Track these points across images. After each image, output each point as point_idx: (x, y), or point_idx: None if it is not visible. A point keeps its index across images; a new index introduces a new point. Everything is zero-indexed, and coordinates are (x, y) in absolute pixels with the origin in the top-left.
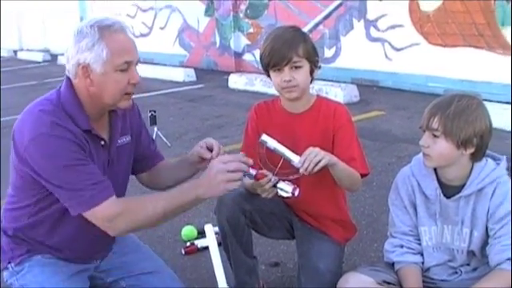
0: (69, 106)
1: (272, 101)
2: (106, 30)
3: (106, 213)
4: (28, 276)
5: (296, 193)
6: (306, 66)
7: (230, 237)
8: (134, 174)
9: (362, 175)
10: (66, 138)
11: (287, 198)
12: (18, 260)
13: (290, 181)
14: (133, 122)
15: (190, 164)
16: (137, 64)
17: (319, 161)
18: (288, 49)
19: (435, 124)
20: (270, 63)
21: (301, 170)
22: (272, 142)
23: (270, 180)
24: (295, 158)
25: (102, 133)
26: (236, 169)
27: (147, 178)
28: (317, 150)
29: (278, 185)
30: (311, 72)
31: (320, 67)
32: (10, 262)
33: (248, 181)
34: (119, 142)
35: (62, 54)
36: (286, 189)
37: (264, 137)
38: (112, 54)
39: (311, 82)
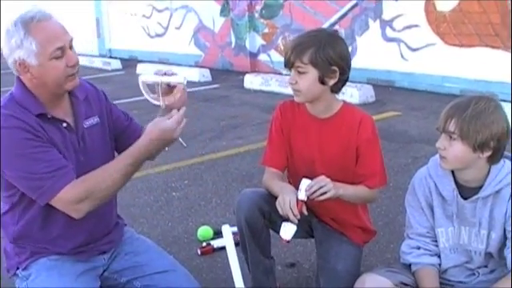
0: (19, 96)
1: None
2: (29, 23)
3: (68, 197)
4: (37, 281)
5: (283, 242)
6: (312, 73)
7: (248, 237)
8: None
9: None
10: (18, 127)
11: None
12: (25, 264)
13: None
14: (99, 104)
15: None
16: (71, 44)
17: (326, 192)
18: (292, 53)
19: (452, 127)
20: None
21: (307, 193)
22: (151, 77)
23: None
24: (178, 79)
25: (65, 117)
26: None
27: None
28: (328, 181)
29: (284, 223)
30: (323, 80)
31: (342, 77)
32: (18, 268)
33: (270, 182)
34: (87, 123)
35: (78, 54)
36: (282, 231)
37: (142, 77)
38: (41, 44)
39: (335, 92)
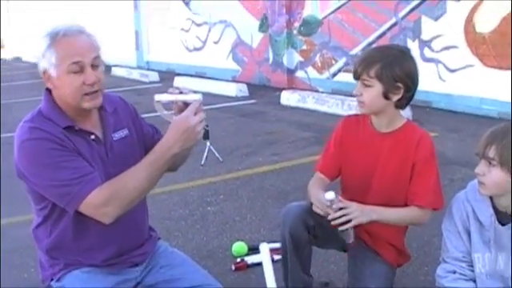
0: (46, 110)
1: (363, 115)
2: (55, 36)
3: (95, 201)
4: None
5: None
6: (377, 87)
7: (290, 251)
8: None
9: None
10: (45, 139)
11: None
12: (58, 276)
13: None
14: (128, 118)
15: None
16: (94, 63)
17: (350, 220)
18: (360, 65)
19: (491, 153)
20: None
21: (329, 217)
22: (166, 97)
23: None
24: (193, 97)
25: (93, 129)
26: (194, 110)
27: None
28: (354, 209)
29: (339, 230)
30: (387, 95)
31: (407, 94)
32: (52, 279)
33: (310, 187)
34: (116, 136)
35: (116, 65)
36: (344, 235)
37: (157, 97)
38: (60, 57)
39: (400, 108)
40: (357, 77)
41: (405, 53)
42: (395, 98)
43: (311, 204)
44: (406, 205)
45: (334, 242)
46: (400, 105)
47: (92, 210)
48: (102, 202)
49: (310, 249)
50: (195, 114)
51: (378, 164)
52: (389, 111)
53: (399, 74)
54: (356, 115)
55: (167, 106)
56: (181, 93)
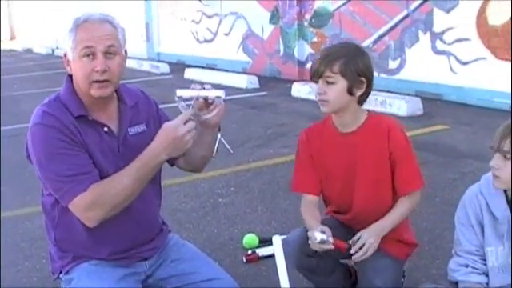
0: (64, 96)
1: (323, 121)
2: (79, 22)
3: (81, 203)
4: (79, 285)
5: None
6: (341, 83)
7: (308, 275)
8: (172, 165)
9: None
10: (54, 127)
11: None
12: (67, 268)
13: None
14: (148, 113)
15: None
16: (107, 50)
17: (367, 250)
18: (322, 63)
19: (507, 146)
20: (310, 74)
21: (354, 257)
22: (188, 92)
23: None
24: (216, 93)
25: (108, 121)
26: (185, 119)
27: (182, 162)
28: (368, 238)
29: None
30: (351, 91)
31: (368, 89)
32: (61, 272)
33: (304, 216)
34: (132, 130)
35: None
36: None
37: (178, 92)
38: (76, 41)
39: (360, 104)
40: (319, 75)
41: (361, 49)
42: (359, 92)
43: (306, 230)
44: (392, 195)
45: (337, 252)
46: (361, 100)
47: (77, 212)
48: (85, 206)
49: (323, 262)
50: (185, 122)
51: (355, 165)
52: (352, 107)
53: (362, 68)
54: (315, 124)
55: (187, 100)
56: (203, 88)
